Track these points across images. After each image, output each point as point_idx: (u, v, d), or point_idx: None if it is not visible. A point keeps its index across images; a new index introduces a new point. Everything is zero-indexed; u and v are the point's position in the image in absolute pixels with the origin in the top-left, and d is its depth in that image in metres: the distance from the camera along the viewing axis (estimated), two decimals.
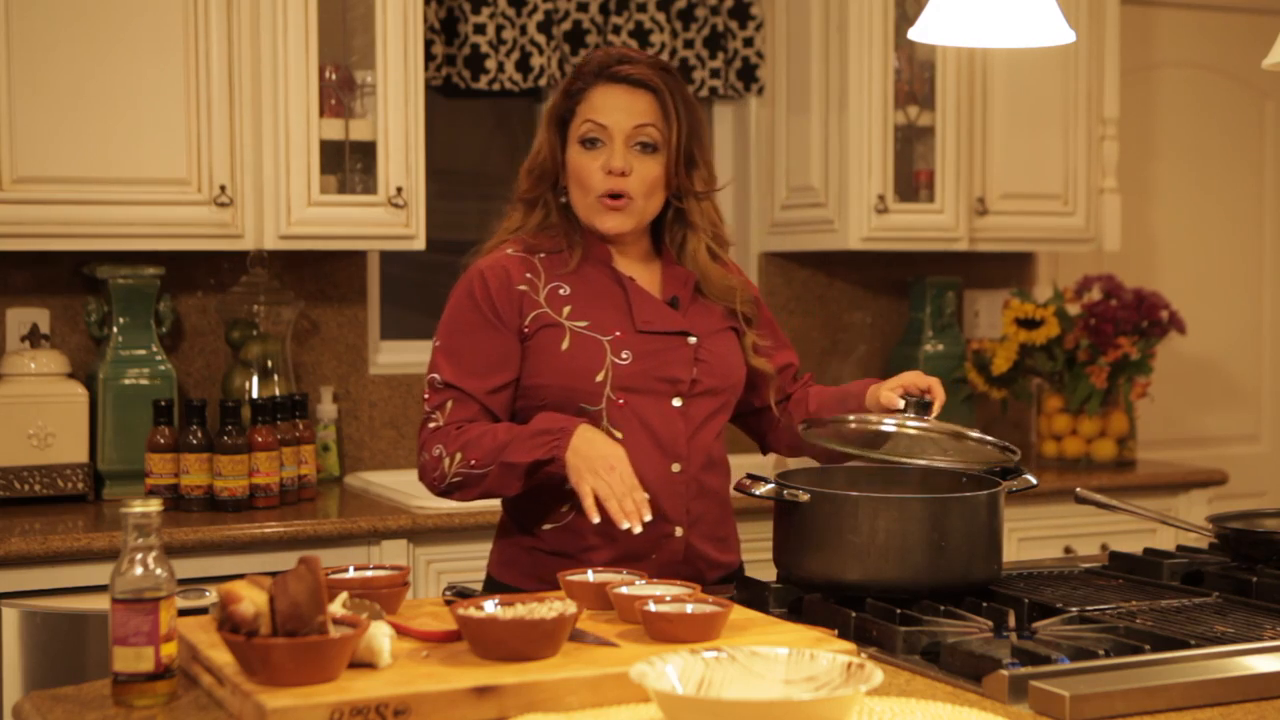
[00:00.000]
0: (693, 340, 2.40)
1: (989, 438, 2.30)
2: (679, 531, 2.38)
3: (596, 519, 2.21)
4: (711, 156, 2.48)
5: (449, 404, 2.35)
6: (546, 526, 2.38)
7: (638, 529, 2.20)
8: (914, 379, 2.39)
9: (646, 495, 2.23)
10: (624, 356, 2.35)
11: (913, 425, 2.29)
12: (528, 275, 2.38)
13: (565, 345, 2.34)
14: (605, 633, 1.92)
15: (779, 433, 2.59)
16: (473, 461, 2.29)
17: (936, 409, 2.35)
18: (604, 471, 2.21)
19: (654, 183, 2.39)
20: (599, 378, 2.34)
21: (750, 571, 2.42)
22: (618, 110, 2.38)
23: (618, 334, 2.36)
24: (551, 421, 2.28)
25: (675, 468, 2.37)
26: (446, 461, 2.31)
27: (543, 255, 2.41)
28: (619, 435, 2.33)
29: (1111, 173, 4.26)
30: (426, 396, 2.38)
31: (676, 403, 2.38)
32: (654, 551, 2.35)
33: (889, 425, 2.29)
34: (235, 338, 3.67)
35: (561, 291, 2.38)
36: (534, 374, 2.36)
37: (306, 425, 3.50)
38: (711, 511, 2.43)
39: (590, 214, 2.40)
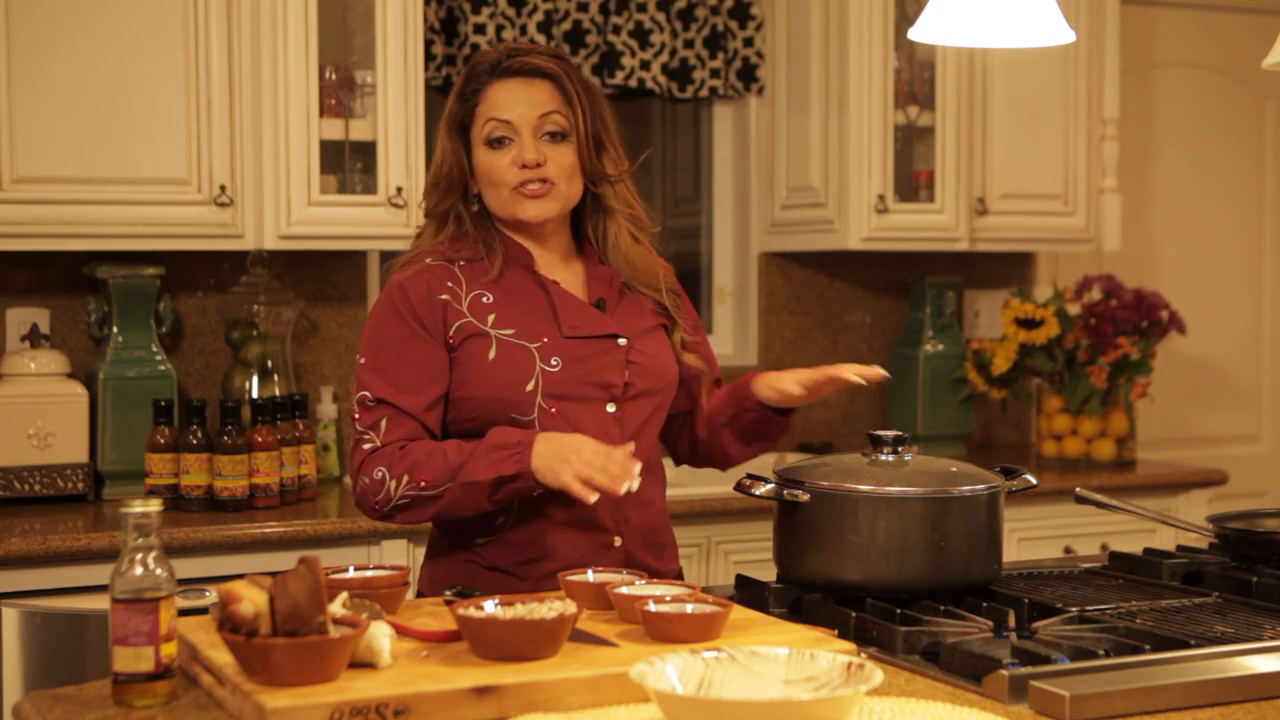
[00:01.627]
0: (623, 342, 2.32)
1: (966, 490, 2.20)
2: (618, 541, 2.32)
3: (594, 498, 2.13)
4: (619, 138, 2.39)
5: (383, 422, 2.26)
6: (480, 541, 2.31)
7: (636, 484, 2.13)
8: (809, 372, 2.33)
9: (624, 451, 2.14)
10: (553, 363, 2.26)
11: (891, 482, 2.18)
12: (449, 284, 2.29)
13: (492, 355, 2.26)
14: (605, 633, 1.92)
15: (684, 442, 2.50)
16: (423, 483, 2.20)
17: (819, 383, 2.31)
18: (574, 457, 2.14)
19: (572, 168, 2.32)
20: (529, 386, 2.25)
21: (750, 571, 2.41)
22: (519, 103, 2.30)
23: (545, 340, 2.27)
24: (507, 436, 2.19)
25: None
26: (392, 484, 2.22)
27: (462, 263, 2.31)
28: None
29: (1111, 173, 4.26)
30: (357, 416, 2.29)
31: (611, 408, 2.31)
32: (594, 562, 2.27)
33: (866, 488, 2.16)
34: (235, 338, 3.67)
35: (484, 299, 2.29)
36: (462, 386, 2.27)
37: (306, 425, 3.50)
38: (650, 520, 2.37)
39: (511, 207, 2.31)
